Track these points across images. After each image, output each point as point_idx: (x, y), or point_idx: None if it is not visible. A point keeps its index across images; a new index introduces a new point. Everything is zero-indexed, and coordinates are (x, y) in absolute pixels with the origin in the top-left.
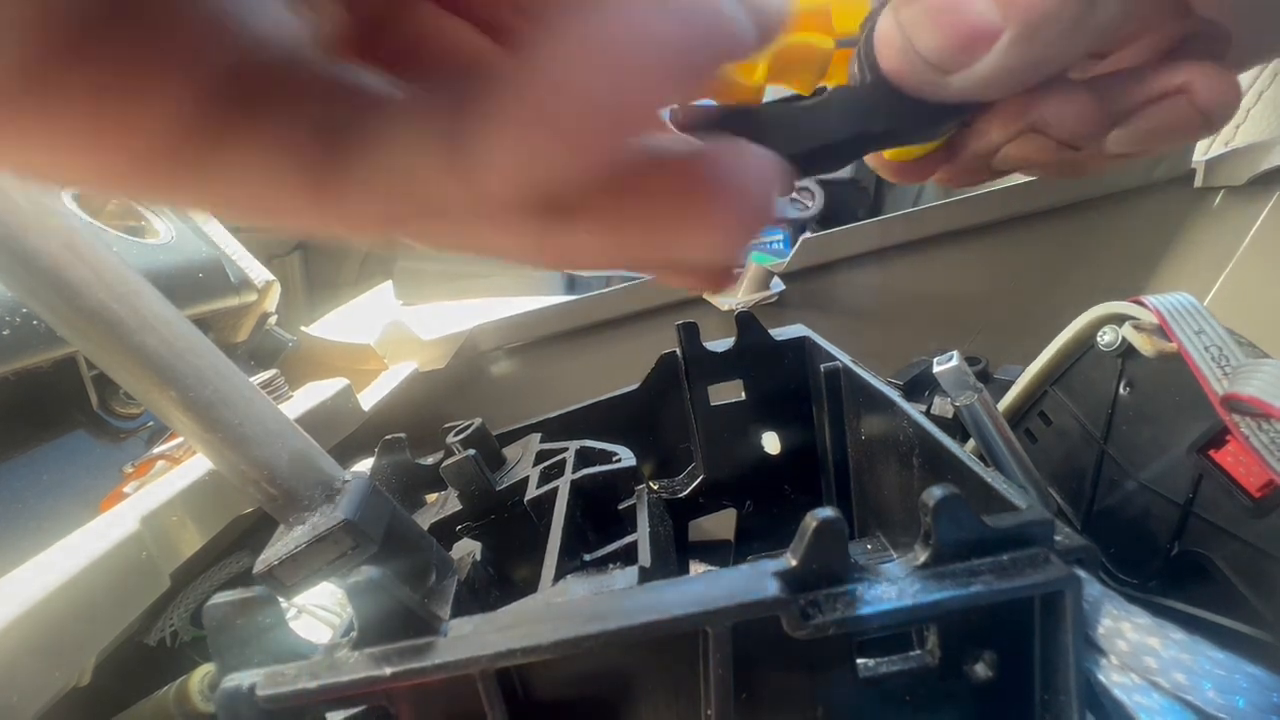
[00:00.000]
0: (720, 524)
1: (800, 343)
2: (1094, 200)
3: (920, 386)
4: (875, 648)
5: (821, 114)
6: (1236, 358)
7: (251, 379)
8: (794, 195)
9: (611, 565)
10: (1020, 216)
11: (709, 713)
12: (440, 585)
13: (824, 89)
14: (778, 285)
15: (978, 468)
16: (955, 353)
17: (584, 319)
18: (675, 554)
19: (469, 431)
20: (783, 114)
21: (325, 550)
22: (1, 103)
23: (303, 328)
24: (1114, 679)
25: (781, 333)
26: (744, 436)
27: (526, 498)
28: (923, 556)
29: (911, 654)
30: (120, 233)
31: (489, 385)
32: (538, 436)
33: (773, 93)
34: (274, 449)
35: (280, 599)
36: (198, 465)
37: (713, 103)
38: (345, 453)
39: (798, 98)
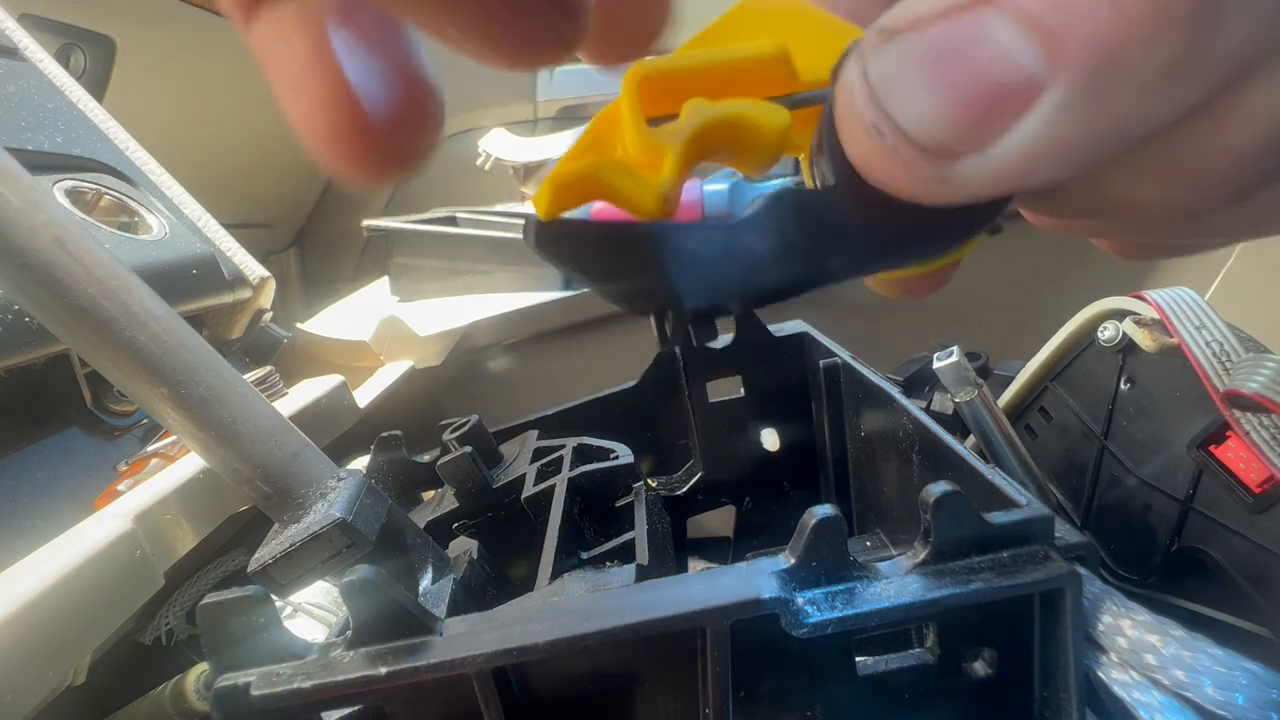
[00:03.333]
0: (719, 521)
1: (799, 338)
2: None
3: (920, 382)
4: (874, 645)
5: (749, 242)
6: (1238, 353)
7: (246, 376)
8: None
9: (609, 563)
10: None
11: (707, 711)
12: (436, 584)
13: (767, 187)
14: None
15: (978, 464)
16: (955, 348)
17: (581, 315)
18: (673, 551)
19: (465, 428)
20: (696, 241)
21: (320, 549)
22: None
23: (298, 324)
24: (1114, 676)
25: (780, 328)
26: (743, 433)
27: (523, 495)
28: (922, 554)
29: (911, 652)
30: (113, 229)
31: (486, 382)
32: (535, 433)
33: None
34: (268, 447)
35: (275, 598)
36: (192, 463)
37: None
38: (341, 450)
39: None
